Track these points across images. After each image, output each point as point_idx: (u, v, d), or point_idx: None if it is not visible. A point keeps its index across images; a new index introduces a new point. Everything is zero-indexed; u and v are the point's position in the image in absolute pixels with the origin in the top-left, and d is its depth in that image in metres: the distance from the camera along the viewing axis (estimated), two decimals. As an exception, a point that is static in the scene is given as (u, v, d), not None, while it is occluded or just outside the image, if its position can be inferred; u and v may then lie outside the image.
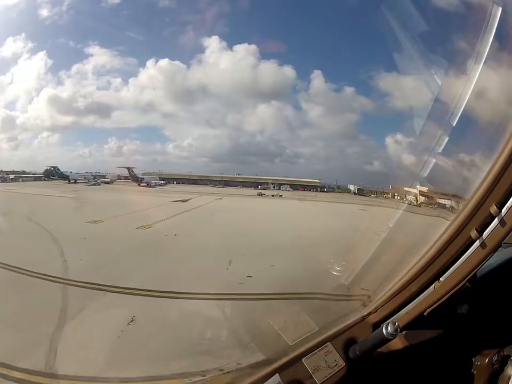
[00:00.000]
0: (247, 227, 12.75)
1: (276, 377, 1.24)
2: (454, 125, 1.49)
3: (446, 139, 1.58)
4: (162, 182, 33.59)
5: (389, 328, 1.24)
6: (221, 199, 25.30)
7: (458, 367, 1.58)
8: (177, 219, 14.09)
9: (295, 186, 32.20)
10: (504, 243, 1.26)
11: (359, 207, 22.72)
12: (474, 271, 1.31)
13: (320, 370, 1.30)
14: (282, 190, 30.91)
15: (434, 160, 1.69)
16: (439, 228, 1.40)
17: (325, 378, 1.28)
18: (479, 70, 1.45)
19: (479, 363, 1.54)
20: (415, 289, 1.46)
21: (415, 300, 1.48)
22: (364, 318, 1.56)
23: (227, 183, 32.80)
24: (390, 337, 1.25)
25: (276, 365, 1.29)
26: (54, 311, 4.36)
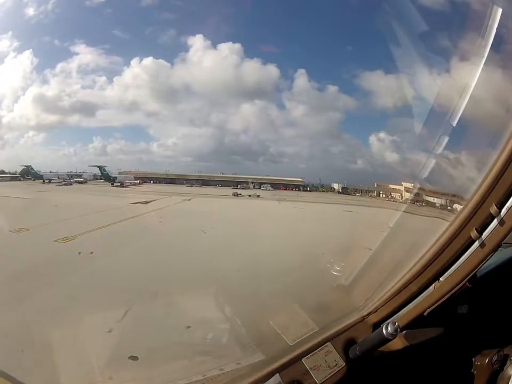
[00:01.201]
0: (196, 244, 10.10)
1: (276, 377, 1.24)
2: (454, 125, 1.49)
3: (446, 139, 1.58)
4: (136, 181, 32.74)
5: (389, 328, 1.24)
6: (189, 200, 23.83)
7: (458, 367, 1.58)
8: (114, 228, 11.83)
9: (277, 186, 31.45)
10: (504, 243, 1.26)
11: (343, 207, 21.68)
12: (474, 271, 1.31)
13: (320, 370, 1.30)
14: (263, 189, 30.07)
15: (434, 160, 1.69)
16: (439, 228, 1.40)
17: (325, 378, 1.28)
18: (479, 70, 1.45)
19: (479, 363, 1.54)
20: (415, 289, 1.46)
21: (415, 300, 1.48)
22: (363, 318, 1.56)
23: (206, 182, 32.20)
24: (390, 337, 1.25)
25: (275, 365, 1.29)
26: None
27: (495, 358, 1.51)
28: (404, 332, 1.50)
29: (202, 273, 6.87)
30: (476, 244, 1.27)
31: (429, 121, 1.96)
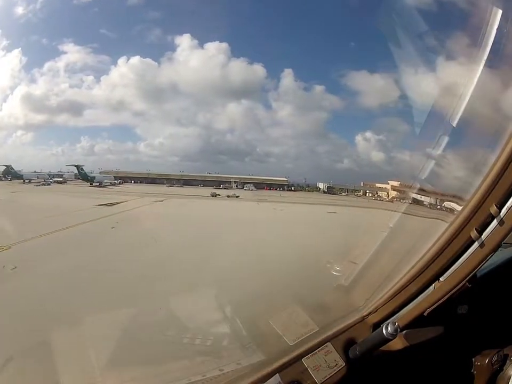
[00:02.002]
0: (139, 255, 8.84)
1: (276, 377, 1.24)
2: (454, 125, 1.50)
3: (446, 139, 1.58)
4: (115, 181, 31.71)
5: (389, 328, 1.24)
6: (161, 201, 22.59)
7: (458, 367, 1.58)
8: (58, 236, 10.72)
9: (261, 185, 31.00)
10: (504, 243, 1.26)
11: (327, 208, 20.39)
12: (474, 271, 1.31)
13: (320, 370, 1.30)
14: (245, 189, 29.65)
15: (434, 161, 1.69)
16: (439, 228, 1.40)
17: (325, 378, 1.28)
18: (479, 71, 1.45)
19: (479, 363, 1.55)
20: (415, 289, 1.46)
21: (415, 300, 1.48)
22: (363, 318, 1.56)
23: (188, 182, 31.67)
24: (390, 337, 1.25)
25: (276, 365, 1.29)
26: None
27: (495, 358, 1.51)
28: (404, 331, 1.50)
29: (127, 297, 5.72)
30: (476, 244, 1.27)
31: (429, 121, 1.96)
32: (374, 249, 1.96)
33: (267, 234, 12.60)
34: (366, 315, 1.56)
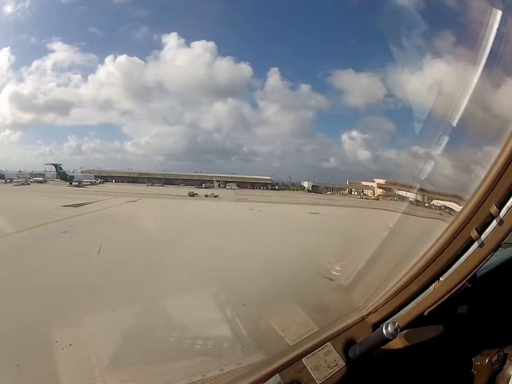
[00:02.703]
0: (82, 267, 7.46)
1: (276, 377, 1.24)
2: (454, 125, 1.50)
3: (446, 139, 1.58)
4: (95, 180, 30.78)
5: (389, 328, 1.24)
6: (134, 202, 21.29)
7: (458, 367, 1.58)
8: None
9: (244, 184, 30.45)
10: (504, 243, 1.26)
11: (310, 208, 19.28)
12: (474, 271, 1.31)
13: (320, 370, 1.30)
14: (227, 188, 29.21)
15: (434, 161, 1.70)
16: (439, 228, 1.40)
17: (325, 378, 1.29)
18: (479, 71, 1.45)
19: (479, 363, 1.55)
20: (415, 289, 1.46)
21: (415, 300, 1.48)
22: (363, 318, 1.56)
23: (169, 181, 31.14)
24: (390, 337, 1.25)
25: (276, 365, 1.29)
26: None
27: (495, 358, 1.51)
28: (404, 331, 1.50)
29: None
30: (476, 244, 1.27)
31: (429, 121, 1.96)
32: (374, 249, 1.96)
33: (234, 237, 11.19)
34: (366, 315, 1.57)
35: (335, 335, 1.44)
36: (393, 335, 1.24)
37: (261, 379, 1.24)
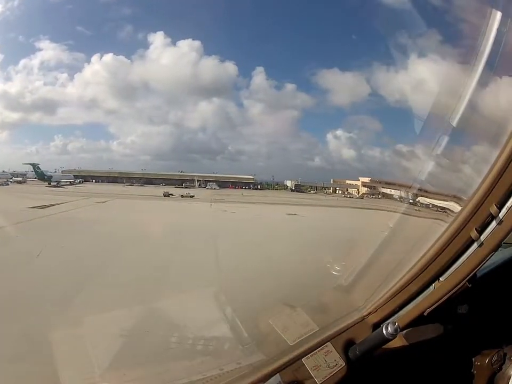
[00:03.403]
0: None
1: (276, 377, 1.24)
2: (454, 125, 1.50)
3: (446, 139, 1.59)
4: (73, 180, 30.05)
5: (389, 328, 1.24)
6: (103, 202, 20.33)
7: (458, 367, 1.58)
8: None
9: (226, 184, 29.26)
10: (504, 243, 1.26)
11: (288, 209, 18.39)
12: (474, 271, 1.31)
13: (320, 370, 1.30)
14: (207, 188, 28.77)
15: (434, 161, 1.70)
16: (439, 228, 1.40)
17: (325, 378, 1.29)
18: (479, 72, 1.46)
19: (479, 363, 1.55)
20: (415, 289, 1.46)
21: (415, 300, 1.48)
22: (363, 318, 1.56)
23: (149, 180, 29.99)
24: (390, 337, 1.25)
25: (275, 365, 1.29)
26: None
27: (495, 358, 1.51)
28: (404, 331, 1.50)
29: None
30: (476, 244, 1.27)
31: (429, 121, 1.97)
32: (374, 249, 1.96)
33: (192, 241, 10.19)
34: (366, 315, 1.57)
35: (335, 335, 1.44)
36: (393, 335, 1.24)
37: (261, 379, 1.24)
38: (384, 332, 1.25)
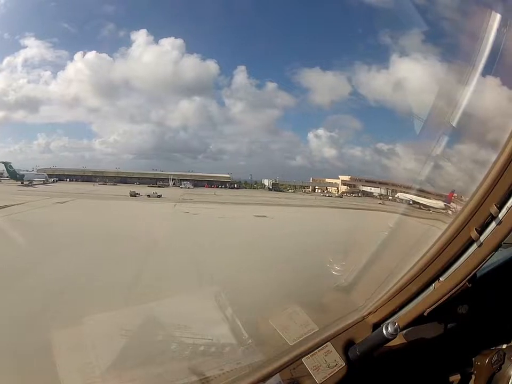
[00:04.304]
0: None
1: (276, 377, 1.24)
2: (454, 125, 1.50)
3: (446, 139, 1.59)
4: (45, 179, 30.66)
5: (389, 328, 1.24)
6: (63, 203, 19.32)
7: (458, 367, 1.58)
8: None
9: (202, 183, 29.81)
10: (504, 243, 1.26)
11: (258, 210, 17.37)
12: (474, 271, 1.31)
13: (320, 370, 1.30)
14: (181, 187, 28.55)
15: (434, 161, 1.70)
16: (439, 228, 1.40)
17: (325, 378, 1.28)
18: (479, 72, 1.46)
19: (479, 363, 1.55)
20: (415, 289, 1.46)
21: (415, 300, 1.48)
22: (363, 318, 1.56)
23: (124, 179, 30.56)
24: (390, 337, 1.25)
25: (275, 365, 1.29)
26: None
27: (495, 358, 1.51)
28: (404, 331, 1.50)
29: None
30: (476, 244, 1.27)
31: (429, 122, 1.97)
32: (374, 249, 1.97)
33: (127, 250, 9.15)
34: (366, 315, 1.56)
35: (335, 335, 1.44)
36: (393, 335, 1.24)
37: (261, 379, 1.23)
38: (384, 331, 1.24)
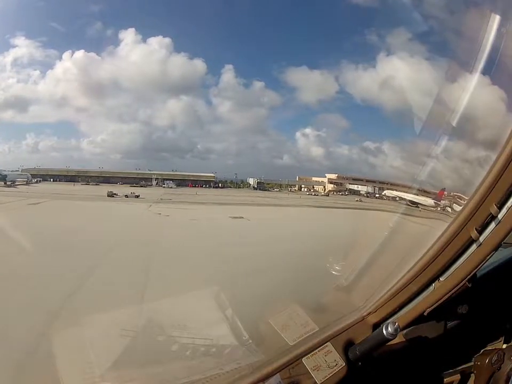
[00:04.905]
0: None
1: (276, 377, 1.24)
2: (454, 125, 1.50)
3: (446, 139, 1.59)
4: (28, 180, 30.52)
5: (389, 328, 1.24)
6: (35, 204, 18.78)
7: (458, 367, 1.58)
8: None
9: (186, 182, 29.56)
10: (504, 243, 1.26)
11: (236, 211, 16.54)
12: (474, 271, 1.31)
13: (320, 370, 1.30)
14: (164, 187, 28.34)
15: (434, 161, 1.70)
16: (439, 228, 1.40)
17: (325, 378, 1.28)
18: (479, 72, 1.46)
19: (479, 363, 1.55)
20: (415, 289, 1.46)
21: (415, 300, 1.48)
22: (363, 318, 1.56)
23: (107, 179, 30.33)
24: (390, 337, 1.25)
25: (275, 365, 1.29)
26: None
27: (495, 358, 1.51)
28: (404, 331, 1.50)
29: None
30: (476, 243, 1.27)
31: (429, 121, 1.97)
32: (374, 249, 1.97)
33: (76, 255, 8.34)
34: (366, 315, 1.56)
35: (335, 335, 1.44)
36: (393, 335, 1.24)
37: (261, 379, 1.24)
38: (384, 331, 1.24)
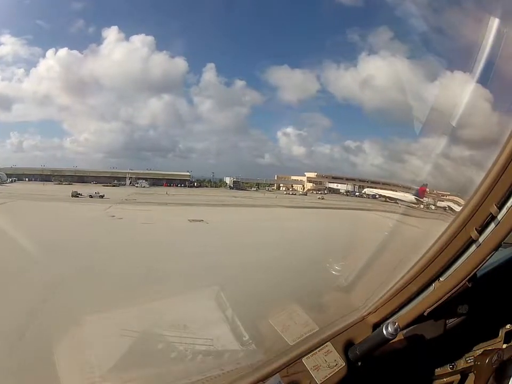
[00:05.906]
0: None
1: (276, 377, 1.24)
2: (454, 125, 1.50)
3: (446, 139, 1.59)
4: (6, 179, 30.43)
5: (389, 328, 1.24)
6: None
7: (458, 367, 1.58)
8: None
9: (161, 181, 29.38)
10: (504, 243, 1.26)
11: (200, 213, 15.85)
12: (474, 271, 1.31)
13: (320, 370, 1.30)
14: (136, 186, 28.13)
15: (434, 160, 1.70)
16: (439, 228, 1.40)
17: (325, 378, 1.28)
18: (478, 72, 1.46)
19: (479, 363, 1.55)
20: (415, 289, 1.46)
21: (415, 300, 1.48)
22: (363, 318, 1.56)
23: (81, 178, 30.22)
24: (390, 337, 1.25)
25: (275, 365, 1.29)
26: None
27: (495, 358, 1.51)
28: (404, 331, 1.50)
29: None
30: (476, 243, 1.27)
31: (430, 121, 1.97)
32: (374, 249, 1.97)
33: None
34: (366, 315, 1.56)
35: (335, 335, 1.44)
36: (393, 335, 1.24)
37: (261, 379, 1.23)
38: (384, 331, 1.24)
